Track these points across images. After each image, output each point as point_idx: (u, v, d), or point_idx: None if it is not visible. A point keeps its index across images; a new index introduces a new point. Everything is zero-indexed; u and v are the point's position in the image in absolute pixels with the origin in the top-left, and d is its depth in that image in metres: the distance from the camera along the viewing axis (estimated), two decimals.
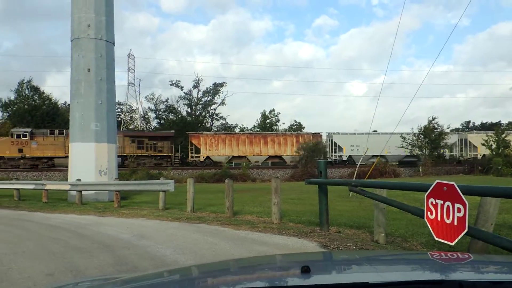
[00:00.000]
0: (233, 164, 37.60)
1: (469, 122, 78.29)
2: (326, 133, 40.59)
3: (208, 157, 36.43)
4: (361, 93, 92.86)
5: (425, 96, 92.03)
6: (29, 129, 33.69)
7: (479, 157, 38.49)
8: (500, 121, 74.34)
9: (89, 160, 14.29)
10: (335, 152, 38.73)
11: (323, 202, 6.51)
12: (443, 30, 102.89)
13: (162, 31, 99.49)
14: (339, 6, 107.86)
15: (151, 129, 53.61)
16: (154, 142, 35.93)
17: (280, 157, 38.56)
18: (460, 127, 73.44)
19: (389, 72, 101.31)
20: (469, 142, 40.06)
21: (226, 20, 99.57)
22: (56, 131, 33.94)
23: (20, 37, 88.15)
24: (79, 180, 13.01)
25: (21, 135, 32.38)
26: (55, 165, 33.08)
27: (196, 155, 36.82)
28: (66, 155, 31.24)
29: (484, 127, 70.60)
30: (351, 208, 10.48)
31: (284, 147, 37.94)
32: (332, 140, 38.91)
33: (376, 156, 25.91)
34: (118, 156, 33.49)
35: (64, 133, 32.85)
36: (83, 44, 14.50)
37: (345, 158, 39.01)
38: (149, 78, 79.29)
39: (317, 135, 39.13)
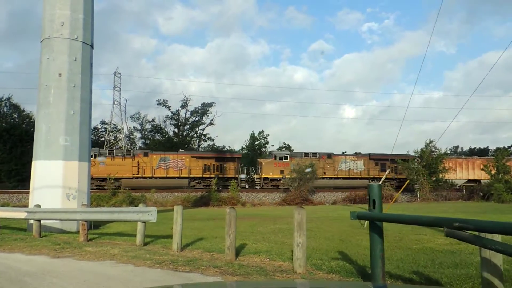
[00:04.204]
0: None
1: (457, 147, 77.92)
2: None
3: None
4: (355, 117, 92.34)
5: (417, 121, 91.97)
6: (288, 152, 36.79)
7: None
8: (488, 146, 74.18)
9: (55, 181, 11.91)
10: None
11: (377, 247, 4.40)
12: (435, 56, 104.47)
13: (158, 53, 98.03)
14: (334, 31, 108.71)
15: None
16: (395, 165, 36.59)
17: None
18: (449, 152, 72.85)
19: (382, 97, 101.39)
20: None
21: (223, 43, 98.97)
22: (310, 153, 36.44)
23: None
24: (38, 206, 10.58)
25: (283, 157, 35.31)
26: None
27: None
28: (321, 176, 35.12)
29: (472, 152, 70.12)
30: None
31: None
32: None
33: None
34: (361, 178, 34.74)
35: (317, 155, 36.36)
36: (55, 45, 12.38)
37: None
38: (144, 98, 77.04)
39: None
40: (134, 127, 57.90)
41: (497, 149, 65.03)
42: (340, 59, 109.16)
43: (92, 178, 32.60)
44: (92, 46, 13.30)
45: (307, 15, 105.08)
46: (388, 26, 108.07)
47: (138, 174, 33.79)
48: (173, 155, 35.89)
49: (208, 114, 58.12)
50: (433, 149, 36.45)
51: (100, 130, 55.88)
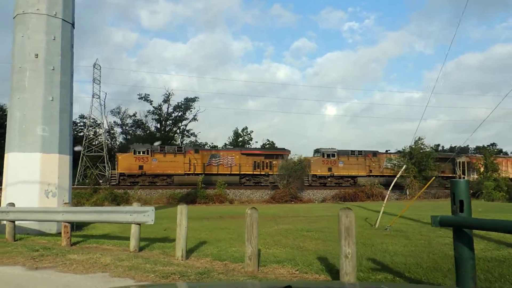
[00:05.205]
0: None
1: (438, 145, 78.84)
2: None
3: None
4: (337, 115, 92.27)
5: (396, 119, 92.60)
6: (336, 150, 36.08)
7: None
8: (468, 145, 75.33)
9: (31, 176, 10.47)
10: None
11: (467, 264, 3.36)
12: (415, 57, 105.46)
13: (140, 47, 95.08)
14: (317, 29, 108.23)
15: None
16: (437, 163, 36.71)
17: None
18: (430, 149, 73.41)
19: (363, 96, 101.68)
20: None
21: (206, 39, 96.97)
22: (356, 151, 36.39)
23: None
24: (11, 204, 9.16)
25: (330, 155, 35.53)
26: (356, 183, 35.16)
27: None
28: (367, 174, 35.67)
29: (452, 151, 71.00)
30: (411, 249, 7.37)
31: None
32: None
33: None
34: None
35: (363, 153, 36.25)
36: (30, 21, 10.87)
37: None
38: (125, 94, 74.41)
39: None
40: (114, 122, 55.69)
41: (477, 147, 65.92)
42: (322, 57, 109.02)
43: (144, 174, 32.20)
44: (73, 25, 11.84)
45: (292, 12, 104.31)
46: (368, 25, 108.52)
47: (189, 170, 33.32)
48: (223, 152, 36.51)
49: (191, 110, 56.51)
50: (422, 146, 36.31)
51: (78, 124, 53.47)
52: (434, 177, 13.52)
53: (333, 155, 35.59)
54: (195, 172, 33.38)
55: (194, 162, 33.82)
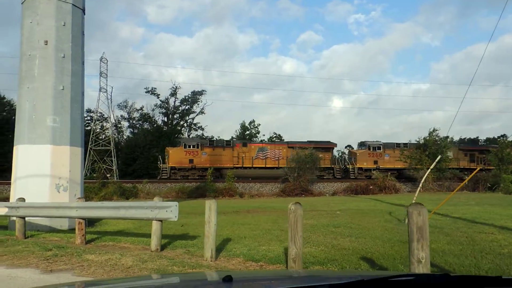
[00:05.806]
0: None
1: (447, 137, 77.48)
2: None
3: None
4: (344, 107, 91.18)
5: (403, 111, 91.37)
6: (381, 143, 36.58)
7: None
8: (478, 137, 74.03)
9: (42, 170, 9.93)
10: None
11: None
12: (423, 49, 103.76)
13: (146, 42, 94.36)
14: (324, 22, 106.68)
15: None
16: (483, 155, 36.87)
17: None
18: (439, 142, 72.29)
19: (370, 88, 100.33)
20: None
21: (212, 33, 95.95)
22: (401, 144, 36.28)
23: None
24: (21, 199, 8.62)
25: (376, 148, 35.73)
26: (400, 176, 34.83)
27: None
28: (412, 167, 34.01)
29: (462, 142, 69.76)
30: (458, 247, 6.70)
31: None
32: None
33: None
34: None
35: (408, 145, 35.48)
36: (39, 7, 10.26)
37: None
38: (132, 89, 73.98)
39: None
40: (121, 116, 55.32)
41: (488, 139, 64.39)
42: (328, 50, 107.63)
43: (195, 168, 32.39)
44: (84, 11, 11.23)
45: (299, 5, 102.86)
46: (375, 17, 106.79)
47: (238, 164, 33.52)
48: (271, 145, 36.74)
49: (198, 103, 55.94)
50: (437, 138, 35.45)
51: (85, 118, 53.17)
52: (478, 169, 12.75)
53: (379, 148, 35.68)
54: (244, 166, 33.47)
55: (243, 156, 33.93)
